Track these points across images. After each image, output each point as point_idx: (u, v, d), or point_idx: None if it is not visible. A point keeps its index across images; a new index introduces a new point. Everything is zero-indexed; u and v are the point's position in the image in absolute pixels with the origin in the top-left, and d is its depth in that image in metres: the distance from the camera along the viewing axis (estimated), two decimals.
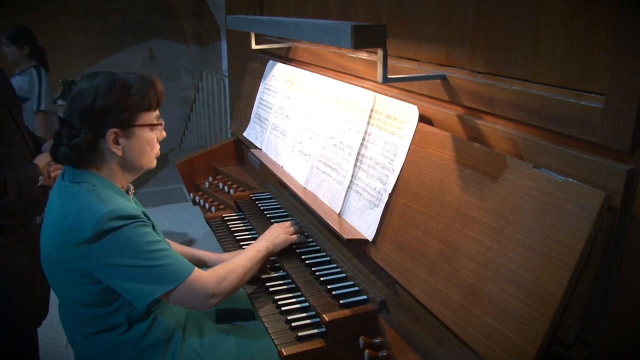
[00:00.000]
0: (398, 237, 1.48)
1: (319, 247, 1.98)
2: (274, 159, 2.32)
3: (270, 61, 2.63)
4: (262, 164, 2.31)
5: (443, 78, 1.48)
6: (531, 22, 1.22)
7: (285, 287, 1.88)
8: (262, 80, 2.65)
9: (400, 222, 1.49)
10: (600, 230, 1.02)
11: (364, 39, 1.29)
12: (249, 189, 2.71)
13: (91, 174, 1.59)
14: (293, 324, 1.66)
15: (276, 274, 1.96)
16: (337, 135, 1.86)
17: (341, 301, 1.64)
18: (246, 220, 2.39)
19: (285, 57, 2.60)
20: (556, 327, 1.06)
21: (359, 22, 1.50)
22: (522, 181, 1.16)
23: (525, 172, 1.16)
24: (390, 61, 1.54)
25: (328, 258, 1.91)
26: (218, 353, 1.74)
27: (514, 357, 1.07)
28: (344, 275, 1.80)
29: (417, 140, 1.50)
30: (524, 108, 1.24)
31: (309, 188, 1.98)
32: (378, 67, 1.39)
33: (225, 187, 2.83)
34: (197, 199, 2.89)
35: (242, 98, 2.93)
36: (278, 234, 1.95)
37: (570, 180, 1.06)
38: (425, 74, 1.53)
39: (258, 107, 2.63)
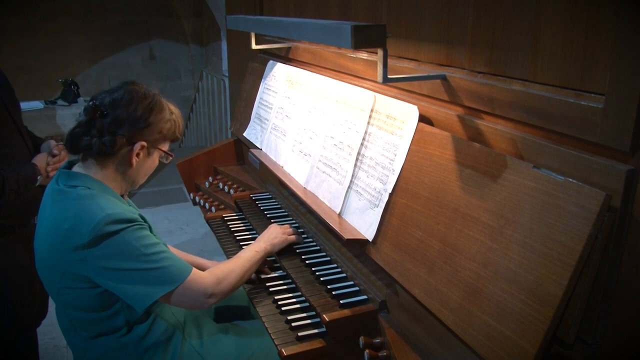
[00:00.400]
0: (398, 237, 1.48)
1: (319, 247, 1.98)
2: (274, 159, 2.32)
3: (271, 61, 2.63)
4: (262, 164, 2.31)
5: (443, 78, 1.48)
6: (531, 22, 1.22)
7: (285, 287, 1.88)
8: (262, 80, 2.65)
9: (400, 222, 1.49)
10: (600, 230, 1.02)
11: (364, 39, 1.29)
12: (249, 189, 2.71)
13: (87, 177, 1.58)
14: (293, 324, 1.66)
15: (276, 274, 1.96)
16: (337, 135, 1.86)
17: (341, 301, 1.64)
18: (246, 220, 2.39)
19: (286, 57, 2.60)
20: (556, 327, 1.06)
21: (359, 22, 1.50)
22: (522, 181, 1.16)
23: (526, 172, 1.16)
24: (390, 61, 1.55)
25: (328, 258, 1.91)
26: (218, 352, 1.74)
27: (514, 357, 1.07)
28: (344, 275, 1.80)
29: (417, 140, 1.50)
30: (524, 108, 1.24)
31: (309, 188, 1.98)
32: (378, 67, 1.39)
33: (226, 187, 2.83)
34: (197, 199, 2.89)
35: (242, 98, 2.93)
36: (277, 234, 1.95)
37: (570, 180, 1.07)
38: (425, 74, 1.53)
39: (258, 107, 2.63)
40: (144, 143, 1.61)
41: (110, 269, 1.49)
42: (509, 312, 1.11)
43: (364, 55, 1.89)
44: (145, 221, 1.63)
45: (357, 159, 1.73)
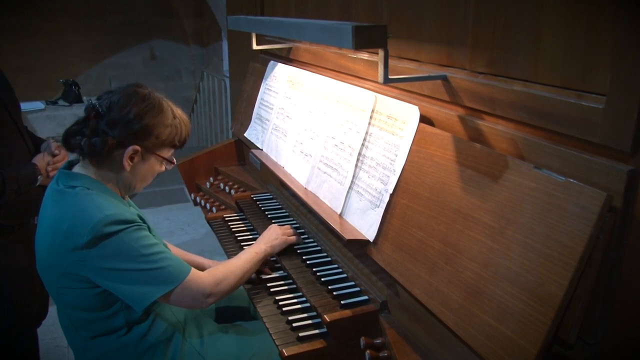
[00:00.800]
0: (399, 238, 1.48)
1: (320, 248, 1.98)
2: (274, 159, 2.32)
3: (271, 61, 2.63)
4: (263, 164, 2.32)
5: (444, 78, 1.48)
6: (532, 22, 1.22)
7: (286, 287, 1.88)
8: (263, 80, 2.65)
9: (401, 222, 1.49)
10: (602, 230, 1.02)
11: (365, 39, 1.29)
12: (250, 189, 2.71)
13: (87, 178, 1.59)
14: (294, 325, 1.66)
15: (277, 275, 1.96)
16: (338, 135, 1.86)
17: (342, 302, 1.64)
18: (247, 221, 2.39)
19: (286, 58, 2.60)
20: (557, 328, 1.06)
21: (359, 22, 1.50)
22: (523, 181, 1.16)
23: (526, 172, 1.16)
24: (391, 61, 1.54)
25: (329, 258, 1.91)
26: (219, 352, 1.74)
27: (515, 357, 1.07)
28: (345, 275, 1.80)
29: (418, 140, 1.50)
30: (525, 108, 1.24)
31: (310, 188, 1.98)
32: (379, 68, 1.39)
33: (226, 188, 2.83)
34: (198, 199, 2.89)
35: (243, 98, 2.93)
36: (277, 235, 1.95)
37: (571, 180, 1.06)
38: (426, 75, 1.53)
39: (259, 107, 2.63)
40: (137, 147, 1.58)
41: (108, 269, 1.49)
42: (510, 313, 1.11)
43: (364, 55, 1.89)
44: (145, 222, 1.63)
45: (358, 160, 1.73)
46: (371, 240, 1.58)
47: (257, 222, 2.25)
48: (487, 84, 1.34)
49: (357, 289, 1.72)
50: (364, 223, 1.63)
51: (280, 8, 2.74)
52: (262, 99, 2.62)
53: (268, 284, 1.90)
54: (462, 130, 1.44)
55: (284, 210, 2.31)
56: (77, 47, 7.60)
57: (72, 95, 6.58)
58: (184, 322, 1.77)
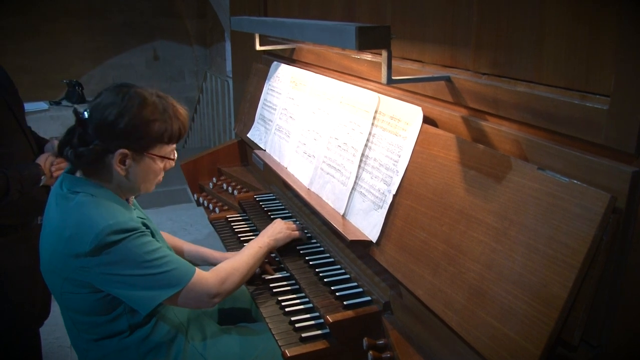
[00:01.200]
0: (402, 239, 1.48)
1: (322, 248, 1.98)
2: (278, 160, 2.32)
3: (275, 62, 2.64)
4: (266, 165, 2.32)
5: (447, 79, 1.48)
6: (535, 23, 1.22)
7: (289, 288, 1.88)
8: (266, 81, 2.65)
9: (404, 223, 1.49)
10: (605, 231, 1.02)
11: (368, 40, 1.29)
12: (252, 190, 2.72)
13: (90, 184, 1.56)
14: (297, 325, 1.66)
15: (280, 275, 1.97)
16: (341, 136, 1.86)
17: (345, 302, 1.64)
18: (250, 221, 2.39)
19: (290, 58, 2.60)
20: (561, 329, 1.05)
21: (363, 23, 1.50)
22: (526, 183, 1.16)
23: (530, 173, 1.16)
24: (394, 62, 1.55)
25: (332, 259, 1.91)
26: (222, 354, 1.74)
27: (518, 358, 1.07)
28: (347, 276, 1.80)
29: (421, 141, 1.50)
30: (529, 109, 1.23)
31: (313, 189, 1.98)
32: (382, 69, 1.39)
33: (229, 188, 2.84)
34: (201, 199, 2.89)
35: (246, 99, 2.93)
36: (281, 229, 1.94)
37: (575, 181, 1.06)
38: (430, 75, 1.53)
39: (262, 108, 2.63)
40: (125, 151, 1.52)
41: (113, 275, 1.49)
42: (513, 314, 1.11)
43: (368, 56, 1.89)
44: (148, 226, 1.61)
45: (361, 160, 1.73)
46: (374, 241, 1.58)
47: (260, 223, 2.25)
48: (491, 84, 1.34)
49: (360, 289, 1.72)
50: (367, 224, 1.63)
51: (284, 9, 2.74)
52: (265, 99, 2.62)
53: (271, 285, 1.90)
54: (465, 131, 1.44)
55: (286, 211, 2.31)
56: (80, 48, 7.62)
57: (75, 96, 6.60)
58: (186, 324, 1.76)
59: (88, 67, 7.74)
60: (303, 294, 1.80)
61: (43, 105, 6.45)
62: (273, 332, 1.64)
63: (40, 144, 2.40)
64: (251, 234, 2.32)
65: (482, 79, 1.39)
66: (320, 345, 1.59)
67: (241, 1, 3.37)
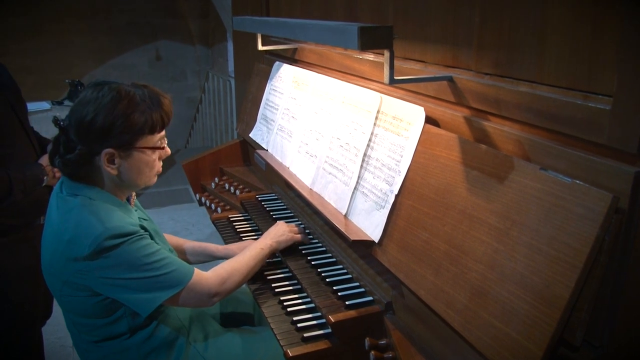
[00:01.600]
0: (404, 239, 1.48)
1: (324, 248, 1.98)
2: (280, 159, 2.32)
3: (277, 62, 2.64)
4: (268, 164, 2.32)
5: (449, 79, 1.48)
6: (537, 23, 1.22)
7: (291, 288, 1.88)
8: (269, 81, 2.65)
9: (406, 223, 1.49)
10: (608, 232, 1.02)
11: (370, 40, 1.29)
12: (254, 189, 2.72)
13: (89, 187, 1.55)
14: (299, 325, 1.66)
15: (282, 275, 1.96)
16: (343, 136, 1.86)
17: (347, 302, 1.64)
18: (252, 221, 2.39)
19: (292, 58, 2.60)
20: (563, 330, 1.05)
21: (365, 23, 1.50)
22: (528, 183, 1.16)
23: (532, 173, 1.16)
24: (396, 62, 1.54)
25: (334, 259, 1.91)
26: (224, 356, 1.74)
27: (520, 359, 1.07)
28: (349, 276, 1.80)
29: (424, 141, 1.50)
30: (531, 109, 1.23)
31: (315, 189, 1.98)
32: (385, 69, 1.39)
33: (231, 188, 2.84)
34: (203, 199, 2.89)
35: (248, 99, 2.94)
36: (283, 232, 1.94)
37: (577, 182, 1.06)
38: (432, 76, 1.53)
39: (264, 108, 2.64)
40: (110, 150, 1.49)
41: (112, 279, 1.49)
42: (515, 314, 1.10)
43: (370, 56, 1.89)
44: (147, 229, 1.61)
45: (363, 160, 1.73)
46: (376, 241, 1.58)
47: (262, 223, 2.25)
48: (493, 85, 1.34)
49: (362, 289, 1.72)
50: (369, 224, 1.63)
51: (286, 9, 2.75)
52: (267, 99, 2.63)
53: (273, 285, 1.90)
54: (467, 131, 1.44)
55: (289, 211, 2.31)
56: (82, 48, 7.64)
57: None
58: (188, 325, 1.76)
59: (90, 67, 7.75)
60: (305, 294, 1.80)
61: (45, 105, 6.45)
62: (275, 332, 1.64)
63: (42, 144, 2.41)
64: (253, 234, 2.32)
65: (484, 79, 1.39)
66: (322, 345, 1.59)
67: (243, 1, 3.37)
